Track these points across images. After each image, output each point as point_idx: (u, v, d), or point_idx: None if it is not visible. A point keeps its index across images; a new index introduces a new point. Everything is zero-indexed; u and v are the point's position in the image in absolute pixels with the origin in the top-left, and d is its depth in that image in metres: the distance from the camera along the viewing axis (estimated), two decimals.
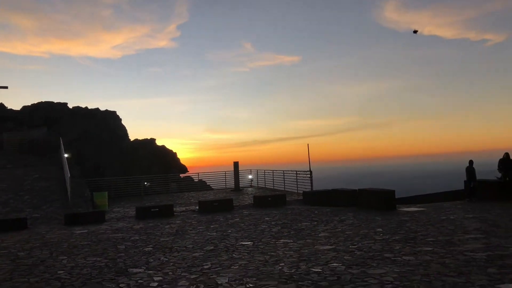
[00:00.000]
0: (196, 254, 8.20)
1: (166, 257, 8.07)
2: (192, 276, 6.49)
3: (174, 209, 17.70)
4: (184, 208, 17.80)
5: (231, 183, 28.27)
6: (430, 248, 7.66)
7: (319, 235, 9.90)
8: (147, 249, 9.08)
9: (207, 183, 34.33)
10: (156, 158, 38.00)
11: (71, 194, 18.93)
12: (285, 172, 23.52)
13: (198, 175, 32.33)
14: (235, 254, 8.03)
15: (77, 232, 12.35)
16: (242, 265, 7.08)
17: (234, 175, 26.62)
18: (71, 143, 30.02)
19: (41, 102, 43.57)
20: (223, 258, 7.71)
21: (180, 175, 37.80)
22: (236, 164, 26.53)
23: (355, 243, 8.57)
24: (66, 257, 8.48)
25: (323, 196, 18.17)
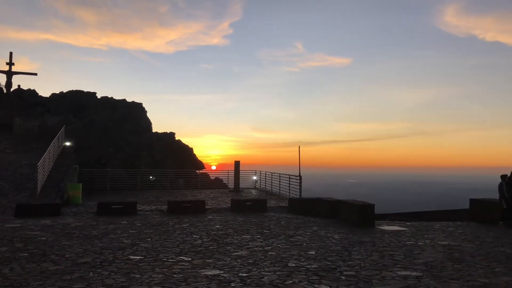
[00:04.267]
0: (55, 268, 6.89)
1: (18, 269, 6.82)
2: None
3: (142, 207, 16.66)
4: (150, 207, 16.65)
5: (244, 183, 26.93)
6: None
7: (237, 253, 8.28)
8: (22, 254, 7.89)
9: (224, 182, 33.26)
10: (172, 153, 37.41)
11: (49, 183, 18.40)
12: (281, 175, 21.74)
13: (203, 172, 31.24)
14: (95, 272, 6.63)
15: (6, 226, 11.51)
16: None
17: (234, 175, 25.20)
18: (78, 131, 29.99)
19: (70, 91, 44.35)
20: (74, 276, 6.34)
21: (197, 171, 36.95)
22: (237, 164, 25.10)
23: (254, 269, 6.89)
24: None
25: (307, 205, 16.36)
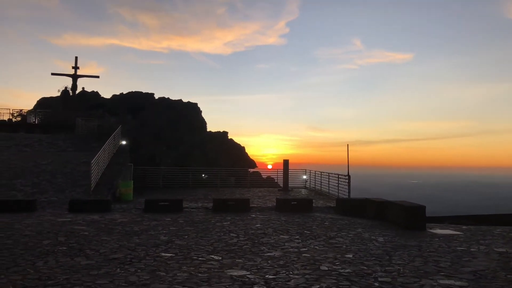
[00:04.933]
0: (86, 262, 7.02)
1: (52, 262, 7.03)
2: None
3: (188, 204, 16.86)
4: (197, 205, 16.80)
5: (294, 182, 26.74)
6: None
7: (270, 254, 8.02)
8: (61, 248, 8.16)
9: (276, 181, 33.11)
10: (224, 152, 37.84)
11: (102, 181, 19.21)
12: (330, 174, 21.13)
13: (253, 171, 31.21)
14: (122, 268, 6.66)
15: (50, 219, 12.07)
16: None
17: (283, 174, 24.91)
18: (135, 130, 31.13)
19: (130, 92, 46.25)
20: (100, 271, 6.41)
21: (249, 170, 37.08)
22: (286, 163, 24.80)
23: (283, 271, 6.59)
24: None
25: (355, 205, 15.73)
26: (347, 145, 18.46)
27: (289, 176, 27.49)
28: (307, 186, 26.91)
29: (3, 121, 36.29)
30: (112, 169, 21.08)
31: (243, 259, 7.48)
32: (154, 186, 25.73)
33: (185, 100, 44.19)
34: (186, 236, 9.78)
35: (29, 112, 38.46)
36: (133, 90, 45.56)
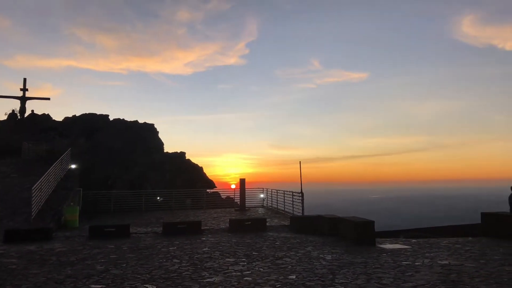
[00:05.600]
0: None
1: None
2: None
3: (138, 229, 16.17)
4: (146, 229, 16.12)
5: (252, 201, 26.40)
6: None
7: (210, 279, 7.62)
8: None
9: (235, 200, 32.57)
10: (182, 173, 37.06)
11: (46, 207, 18.16)
12: (285, 192, 20.98)
13: (206, 192, 30.68)
14: None
15: None
16: None
17: (240, 194, 24.55)
18: (86, 153, 29.97)
19: (84, 114, 44.74)
20: None
21: (208, 190, 36.41)
22: (242, 182, 24.47)
23: None
24: None
25: (308, 223, 15.58)
26: (299, 162, 18.41)
27: (247, 196, 27.18)
28: (264, 205, 26.62)
29: None
30: (58, 194, 20.00)
31: (180, 287, 7.04)
32: (105, 211, 24.67)
33: (141, 121, 43.23)
34: (125, 265, 9.20)
35: None
36: (87, 112, 44.17)
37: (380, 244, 11.98)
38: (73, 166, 25.40)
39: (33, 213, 16.56)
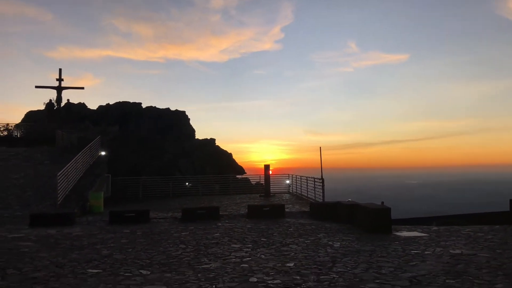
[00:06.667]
0: None
1: None
2: None
3: (158, 214, 16.42)
4: (167, 215, 16.33)
5: (278, 187, 26.40)
6: None
7: (206, 266, 7.57)
8: None
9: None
10: (211, 159, 37.36)
11: (73, 193, 18.77)
12: (308, 178, 20.67)
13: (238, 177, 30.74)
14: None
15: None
16: None
17: (264, 180, 24.44)
18: (117, 140, 30.68)
19: (118, 102, 45.85)
20: None
21: (237, 176, 36.57)
22: (266, 168, 24.35)
23: (207, 285, 6.14)
24: None
25: (327, 209, 15.28)
26: (320, 147, 18.04)
27: (274, 182, 27.08)
28: (290, 191, 26.42)
29: None
30: (85, 180, 20.63)
31: (173, 273, 7.02)
32: (134, 197, 25.28)
33: (173, 108, 43.81)
34: (131, 250, 9.32)
35: (16, 126, 38.08)
36: (121, 100, 45.20)
37: (397, 231, 11.55)
38: (102, 153, 26.07)
39: (59, 199, 17.16)
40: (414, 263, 7.41)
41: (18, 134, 35.14)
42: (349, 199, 20.24)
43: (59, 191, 17.18)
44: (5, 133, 37.74)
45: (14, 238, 11.31)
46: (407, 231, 11.75)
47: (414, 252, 8.42)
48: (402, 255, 8.15)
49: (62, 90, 40.12)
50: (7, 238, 11.27)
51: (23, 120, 45.60)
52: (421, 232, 11.54)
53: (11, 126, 38.61)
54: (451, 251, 8.50)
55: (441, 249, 8.75)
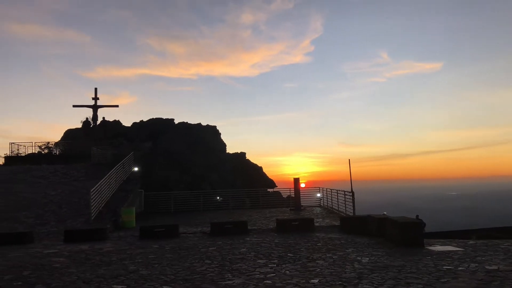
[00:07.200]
0: None
1: None
2: None
3: (187, 229, 16.53)
4: (196, 229, 16.42)
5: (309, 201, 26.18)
6: None
7: (228, 282, 7.51)
8: (16, 283, 7.94)
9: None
10: (241, 173, 37.46)
11: (106, 209, 19.22)
12: (338, 192, 20.30)
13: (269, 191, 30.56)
14: None
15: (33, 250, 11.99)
16: None
17: (294, 193, 24.22)
18: (149, 156, 31.32)
19: (151, 119, 46.97)
20: None
21: (268, 189, 36.51)
22: (296, 181, 24.14)
23: None
24: None
25: (357, 223, 14.94)
26: (349, 160, 17.73)
27: (305, 195, 26.81)
28: (321, 204, 26.04)
29: (32, 153, 37.43)
30: (118, 196, 21.11)
31: None
32: (166, 211, 25.62)
33: (205, 123, 44.46)
34: (157, 265, 9.39)
35: (55, 144, 39.64)
36: (154, 117, 46.28)
37: (430, 246, 11.11)
38: (135, 169, 26.67)
39: (92, 214, 17.62)
40: (445, 279, 7.07)
41: (57, 152, 36.50)
42: (384, 212, 19.71)
43: (92, 207, 17.64)
44: (46, 151, 39.28)
45: (49, 254, 11.66)
46: (440, 245, 11.28)
47: (446, 268, 8.04)
48: (433, 271, 7.80)
49: (98, 108, 41.47)
50: (42, 254, 11.63)
51: (62, 138, 47.44)
52: (456, 246, 11.05)
53: (52, 144, 40.20)
54: (486, 267, 8.07)
55: (476, 264, 8.32)
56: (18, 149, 35.47)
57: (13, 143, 35.56)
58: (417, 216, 23.16)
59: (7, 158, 33.87)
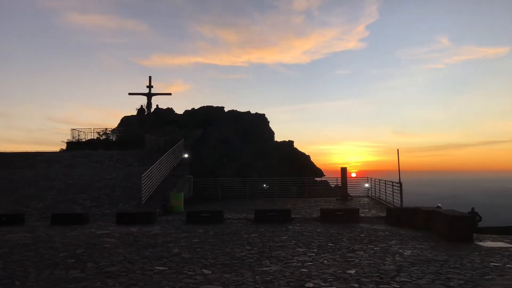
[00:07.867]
0: (76, 275, 7.24)
1: (43, 275, 7.36)
2: None
3: (232, 215, 16.86)
4: (240, 216, 16.71)
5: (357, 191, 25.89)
6: None
7: (266, 268, 7.64)
8: (69, 260, 8.54)
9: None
10: (289, 161, 37.44)
11: (156, 193, 20.02)
12: (386, 182, 19.78)
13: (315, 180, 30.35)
14: (104, 282, 6.76)
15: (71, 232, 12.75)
16: None
17: (341, 183, 23.91)
18: (199, 143, 32.09)
19: (202, 107, 48.00)
20: (80, 284, 6.56)
21: (316, 179, 36.33)
22: (343, 171, 23.80)
23: None
24: None
25: (404, 215, 14.52)
26: (397, 150, 17.21)
27: (353, 185, 26.44)
28: (369, 195, 25.54)
29: (91, 139, 39.63)
30: (168, 181, 21.90)
31: (233, 274, 7.19)
32: (214, 197, 26.25)
33: (255, 111, 44.72)
34: (199, 249, 9.71)
35: (112, 130, 41.68)
36: (205, 105, 47.20)
37: (480, 241, 10.64)
38: (185, 156, 27.49)
39: (143, 198, 18.43)
40: (490, 276, 6.77)
41: (114, 138, 38.34)
42: (439, 205, 19.02)
43: (143, 191, 18.46)
44: (104, 137, 41.36)
45: (101, 234, 12.39)
46: (491, 240, 10.76)
47: (493, 265, 7.68)
48: (479, 267, 7.48)
49: (152, 96, 42.87)
50: (95, 234, 12.38)
51: (119, 124, 49.62)
52: (508, 242, 10.50)
53: (109, 130, 42.25)
54: None
55: None
56: (79, 135, 37.62)
57: (74, 129, 37.70)
58: (473, 208, 22.13)
59: (69, 143, 36.06)
